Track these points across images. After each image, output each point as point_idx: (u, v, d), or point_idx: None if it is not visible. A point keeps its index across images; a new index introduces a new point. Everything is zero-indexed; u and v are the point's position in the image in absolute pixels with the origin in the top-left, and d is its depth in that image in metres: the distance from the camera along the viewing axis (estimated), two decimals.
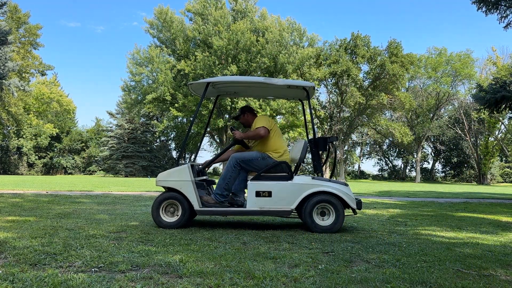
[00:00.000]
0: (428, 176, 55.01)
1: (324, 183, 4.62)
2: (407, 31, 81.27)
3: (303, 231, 4.67)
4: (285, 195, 4.59)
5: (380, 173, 59.75)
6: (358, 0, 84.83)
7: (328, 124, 41.94)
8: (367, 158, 61.66)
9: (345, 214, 4.86)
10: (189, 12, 38.46)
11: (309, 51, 35.64)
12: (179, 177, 4.68)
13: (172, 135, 51.23)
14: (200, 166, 5.20)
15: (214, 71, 34.09)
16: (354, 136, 54.76)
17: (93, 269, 2.75)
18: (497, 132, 46.96)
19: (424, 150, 54.42)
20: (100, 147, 47.10)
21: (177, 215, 4.72)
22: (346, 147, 45.62)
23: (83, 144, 49.57)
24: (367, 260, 3.24)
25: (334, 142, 5.05)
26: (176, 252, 3.33)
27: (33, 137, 44.15)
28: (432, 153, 56.81)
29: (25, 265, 2.80)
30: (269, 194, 4.58)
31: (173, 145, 52.77)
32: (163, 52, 37.10)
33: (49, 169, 47.62)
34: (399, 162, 59.10)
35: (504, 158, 52.03)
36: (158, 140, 49.18)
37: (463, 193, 15.90)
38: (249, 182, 4.68)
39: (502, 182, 50.96)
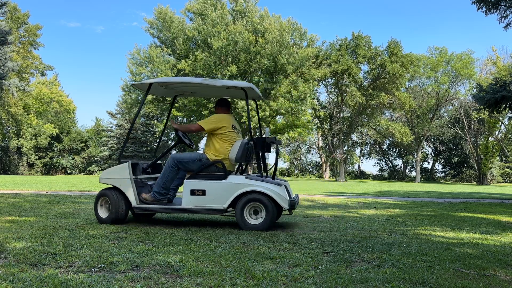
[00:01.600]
0: (428, 176, 55.01)
1: (256, 183, 4.67)
2: (407, 31, 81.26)
3: (303, 231, 4.67)
4: (219, 194, 4.70)
5: (380, 173, 59.74)
6: (359, 0, 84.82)
7: (328, 124, 41.91)
8: (367, 158, 61.67)
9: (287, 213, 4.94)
10: (189, 12, 38.47)
11: (309, 51, 35.63)
12: (119, 175, 4.87)
13: (172, 135, 51.23)
14: (146, 165, 5.39)
15: (214, 71, 34.10)
16: (354, 136, 54.76)
17: (93, 269, 2.75)
18: (497, 132, 46.95)
19: (424, 150, 54.41)
20: (100, 147, 47.10)
21: (111, 211, 4.88)
22: (346, 147, 45.61)
23: (83, 144, 49.55)
24: (367, 260, 3.24)
25: (275, 143, 5.13)
26: (176, 252, 3.33)
27: (33, 137, 44.14)
28: (432, 153, 56.81)
29: (25, 265, 2.80)
30: (203, 192, 4.71)
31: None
32: (163, 52, 37.11)
33: (49, 169, 47.61)
34: (399, 162, 59.11)
35: (504, 158, 52.02)
36: (158, 140, 49.18)
37: (463, 193, 15.90)
38: (185, 181, 4.83)
39: (502, 182, 50.95)
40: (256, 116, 34.30)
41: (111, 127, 48.28)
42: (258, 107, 5.81)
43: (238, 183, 4.72)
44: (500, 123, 44.74)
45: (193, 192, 4.75)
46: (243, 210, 4.67)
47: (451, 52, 43.92)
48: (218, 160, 4.85)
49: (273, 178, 4.91)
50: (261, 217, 4.65)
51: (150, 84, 5.04)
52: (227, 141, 4.95)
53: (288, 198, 4.67)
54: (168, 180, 4.91)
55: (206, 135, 5.25)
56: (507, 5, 11.24)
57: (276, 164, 5.00)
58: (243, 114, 33.78)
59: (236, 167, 5.14)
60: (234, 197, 4.67)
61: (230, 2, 38.16)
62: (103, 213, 4.95)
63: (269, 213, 4.61)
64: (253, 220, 4.69)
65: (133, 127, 5.66)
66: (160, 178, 4.93)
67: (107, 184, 5.00)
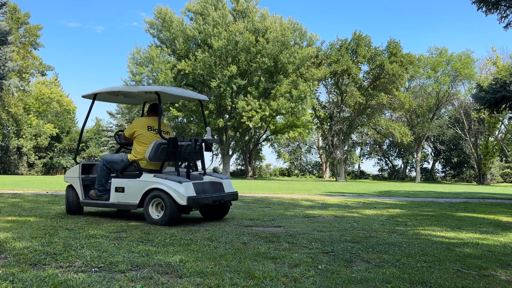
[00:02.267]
0: (428, 176, 55.00)
1: (159, 180, 5.02)
2: (407, 31, 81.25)
3: (303, 231, 4.67)
4: (133, 191, 5.20)
5: (380, 173, 59.72)
6: (359, 0, 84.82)
7: (328, 124, 41.90)
8: (367, 158, 61.65)
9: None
10: (190, 11, 38.47)
11: (309, 50, 35.63)
12: (72, 175, 5.82)
13: None
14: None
15: (214, 71, 34.10)
16: (354, 136, 54.72)
17: (93, 269, 2.75)
18: (497, 132, 46.93)
19: (424, 150, 54.39)
20: (100, 147, 47.09)
21: (67, 204, 5.91)
22: (346, 147, 45.61)
23: (83, 144, 49.55)
24: (367, 260, 3.24)
25: (213, 143, 5.76)
26: (176, 252, 3.34)
27: (33, 137, 44.12)
28: (432, 153, 56.80)
29: (25, 265, 2.80)
30: (122, 190, 5.28)
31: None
32: (163, 52, 37.11)
33: (49, 169, 47.60)
34: (399, 162, 59.08)
35: (504, 158, 52.01)
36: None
37: (463, 193, 15.90)
38: (112, 179, 5.41)
39: (502, 182, 50.94)
40: (256, 116, 34.38)
41: (111, 127, 48.29)
42: (203, 107, 6.17)
43: (147, 181, 5.15)
44: (500, 123, 44.73)
45: (116, 189, 5.33)
46: (148, 206, 5.09)
47: (451, 52, 43.91)
48: (135, 160, 5.32)
49: (204, 174, 5.56)
50: (163, 212, 4.97)
51: (95, 94, 5.86)
52: (143, 143, 5.36)
53: (187, 195, 4.86)
54: (102, 178, 5.53)
55: None
56: (507, 5, 11.23)
57: (206, 162, 5.75)
58: (243, 114, 33.80)
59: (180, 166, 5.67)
60: (142, 194, 5.11)
61: (231, 2, 38.16)
62: (65, 206, 5.97)
63: (167, 209, 4.91)
64: (155, 215, 5.05)
65: (83, 130, 6.88)
66: (97, 177, 5.60)
67: (68, 182, 5.92)
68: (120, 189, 5.29)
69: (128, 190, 5.23)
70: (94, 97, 5.90)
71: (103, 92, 5.77)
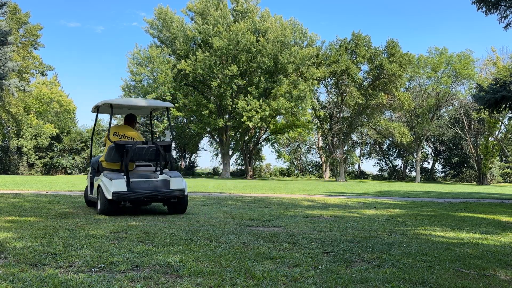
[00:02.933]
0: (428, 176, 54.99)
1: (100, 178, 6.15)
2: (407, 31, 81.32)
3: (303, 231, 4.67)
4: (94, 187, 6.51)
5: (380, 173, 59.73)
6: (359, 0, 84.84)
7: (328, 124, 41.90)
8: (367, 158, 61.64)
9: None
10: (190, 11, 38.46)
11: (310, 50, 35.62)
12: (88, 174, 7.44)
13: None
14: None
15: (214, 71, 34.10)
16: (354, 136, 54.72)
17: (93, 269, 2.75)
18: (497, 132, 46.92)
19: (424, 150, 54.39)
20: (100, 147, 47.09)
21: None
22: (346, 147, 45.61)
23: (83, 144, 49.54)
24: (367, 260, 3.24)
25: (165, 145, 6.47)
26: (176, 252, 3.34)
27: (33, 137, 44.11)
28: (432, 153, 56.80)
29: (25, 265, 2.80)
30: (98, 186, 6.33)
31: (173, 145, 52.68)
32: (164, 52, 37.10)
33: (49, 169, 47.59)
34: (399, 162, 59.08)
35: (504, 158, 52.01)
36: (158, 140, 49.14)
37: (463, 193, 15.90)
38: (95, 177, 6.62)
39: (502, 182, 50.94)
40: (256, 116, 34.74)
41: None
42: (169, 113, 7.04)
43: (97, 179, 6.38)
44: (500, 123, 44.72)
45: (91, 185, 6.91)
46: (98, 198, 6.23)
47: (451, 53, 43.93)
48: (99, 162, 6.51)
49: (161, 173, 6.26)
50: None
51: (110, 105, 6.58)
52: (107, 148, 6.26)
53: (113, 191, 5.68)
54: (93, 175, 6.89)
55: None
56: (507, 5, 11.24)
57: (166, 162, 6.65)
58: (243, 114, 33.81)
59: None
60: (96, 188, 6.34)
61: (231, 2, 38.16)
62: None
63: (101, 201, 6.00)
64: (99, 206, 6.11)
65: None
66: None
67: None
68: (93, 186, 6.69)
69: (94, 186, 6.55)
70: (97, 109, 6.91)
71: (105, 104, 6.48)
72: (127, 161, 5.99)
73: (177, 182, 6.11)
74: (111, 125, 6.65)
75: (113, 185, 5.67)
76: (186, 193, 6.19)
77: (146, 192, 5.85)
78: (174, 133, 47.57)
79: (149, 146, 6.23)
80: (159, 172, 6.30)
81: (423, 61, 43.59)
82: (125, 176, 5.86)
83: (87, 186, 7.14)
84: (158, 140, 7.96)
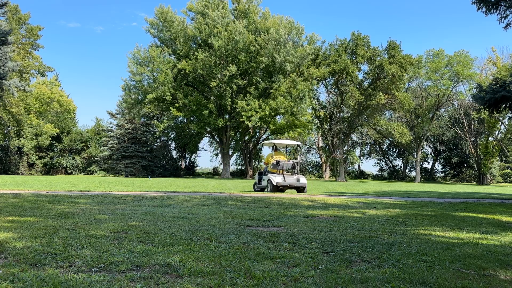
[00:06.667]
0: (428, 176, 54.99)
1: None
2: (407, 32, 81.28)
3: (303, 231, 4.67)
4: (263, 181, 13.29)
5: (380, 173, 59.73)
6: (359, 1, 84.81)
7: (328, 124, 41.90)
8: (367, 158, 61.66)
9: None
10: (191, 11, 38.47)
11: (307, 48, 35.60)
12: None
13: (172, 135, 51.22)
14: None
15: (214, 71, 34.11)
16: (354, 136, 54.70)
17: (93, 269, 2.75)
18: (497, 132, 46.93)
19: (424, 150, 54.39)
20: (100, 147, 47.08)
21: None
22: (346, 147, 45.59)
23: (83, 144, 49.53)
24: (367, 260, 3.24)
25: None
26: (176, 252, 3.33)
27: (34, 137, 44.12)
28: (432, 153, 56.80)
29: (26, 265, 2.80)
30: (268, 180, 13.32)
31: (173, 145, 52.77)
32: (164, 52, 37.11)
33: (49, 169, 47.60)
34: (399, 162, 59.10)
35: (504, 158, 52.01)
36: (158, 140, 49.15)
37: (463, 193, 15.90)
38: None
39: (502, 182, 50.93)
40: (255, 116, 35.74)
41: (111, 127, 48.26)
42: None
43: (264, 177, 13.69)
44: (500, 123, 44.72)
45: (259, 180, 14.16)
46: (266, 186, 13.34)
47: (447, 53, 44.08)
48: (267, 169, 14.14)
49: (294, 175, 12.45)
50: None
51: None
52: (269, 163, 13.51)
53: (276, 181, 12.33)
54: None
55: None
56: (507, 5, 11.24)
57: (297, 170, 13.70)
58: (243, 114, 33.81)
59: None
60: (266, 181, 13.55)
61: (232, 2, 38.16)
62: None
63: (269, 186, 12.56)
64: (268, 189, 12.79)
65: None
66: None
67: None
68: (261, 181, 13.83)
69: (261, 181, 13.85)
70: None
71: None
72: (280, 169, 13.05)
73: (302, 180, 13.17)
74: (272, 152, 13.84)
75: (276, 178, 12.78)
76: (306, 185, 13.24)
77: (290, 183, 12.83)
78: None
79: (290, 163, 13.38)
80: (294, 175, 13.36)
81: (423, 62, 43.66)
82: (281, 175, 12.95)
83: (255, 182, 14.20)
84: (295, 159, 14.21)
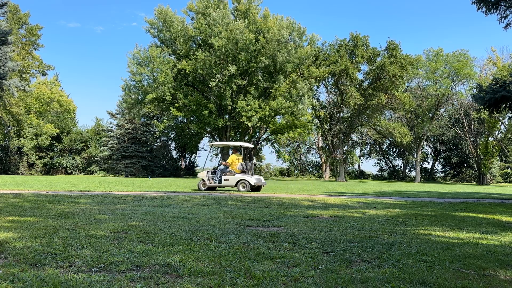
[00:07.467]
0: (428, 176, 54.98)
1: None
2: (406, 31, 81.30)
3: (303, 231, 4.67)
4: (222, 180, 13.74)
5: (380, 173, 59.72)
6: (359, 1, 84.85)
7: (328, 124, 41.90)
8: (367, 158, 61.65)
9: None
10: (191, 11, 38.45)
11: (308, 49, 35.60)
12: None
13: (172, 135, 51.21)
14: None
15: (214, 71, 34.09)
16: (354, 136, 54.68)
17: (93, 269, 2.75)
18: (497, 132, 46.92)
19: (424, 150, 54.39)
20: (100, 147, 47.04)
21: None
22: (346, 147, 45.59)
23: (83, 144, 49.50)
24: (367, 260, 3.24)
25: None
26: (176, 252, 3.33)
27: (34, 137, 44.11)
28: (432, 153, 56.80)
29: (26, 265, 2.80)
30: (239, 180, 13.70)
31: (173, 145, 52.77)
32: (164, 52, 37.10)
33: (50, 169, 47.58)
34: (399, 162, 59.09)
35: (504, 158, 52.00)
36: (158, 140, 49.15)
37: (463, 193, 15.90)
38: None
39: (502, 182, 50.93)
40: (255, 116, 35.75)
41: (111, 127, 48.23)
42: None
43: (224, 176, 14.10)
44: (500, 123, 44.71)
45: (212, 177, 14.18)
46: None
47: (446, 52, 44.05)
48: (229, 168, 14.22)
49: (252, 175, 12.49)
50: None
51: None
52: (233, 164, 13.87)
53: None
54: None
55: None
56: (507, 5, 11.23)
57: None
58: (243, 114, 33.80)
59: None
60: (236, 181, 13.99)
61: (233, 2, 38.14)
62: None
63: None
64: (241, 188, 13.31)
65: None
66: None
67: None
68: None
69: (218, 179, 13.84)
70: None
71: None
72: (248, 170, 13.63)
73: (263, 180, 13.93)
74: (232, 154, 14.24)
75: (251, 180, 13.27)
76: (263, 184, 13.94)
77: (262, 183, 13.75)
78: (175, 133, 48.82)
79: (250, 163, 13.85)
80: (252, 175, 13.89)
81: (422, 63, 43.67)
82: (250, 175, 13.64)
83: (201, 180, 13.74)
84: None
